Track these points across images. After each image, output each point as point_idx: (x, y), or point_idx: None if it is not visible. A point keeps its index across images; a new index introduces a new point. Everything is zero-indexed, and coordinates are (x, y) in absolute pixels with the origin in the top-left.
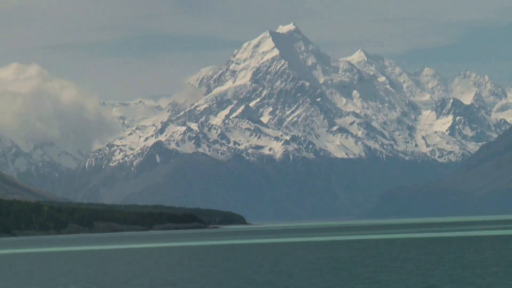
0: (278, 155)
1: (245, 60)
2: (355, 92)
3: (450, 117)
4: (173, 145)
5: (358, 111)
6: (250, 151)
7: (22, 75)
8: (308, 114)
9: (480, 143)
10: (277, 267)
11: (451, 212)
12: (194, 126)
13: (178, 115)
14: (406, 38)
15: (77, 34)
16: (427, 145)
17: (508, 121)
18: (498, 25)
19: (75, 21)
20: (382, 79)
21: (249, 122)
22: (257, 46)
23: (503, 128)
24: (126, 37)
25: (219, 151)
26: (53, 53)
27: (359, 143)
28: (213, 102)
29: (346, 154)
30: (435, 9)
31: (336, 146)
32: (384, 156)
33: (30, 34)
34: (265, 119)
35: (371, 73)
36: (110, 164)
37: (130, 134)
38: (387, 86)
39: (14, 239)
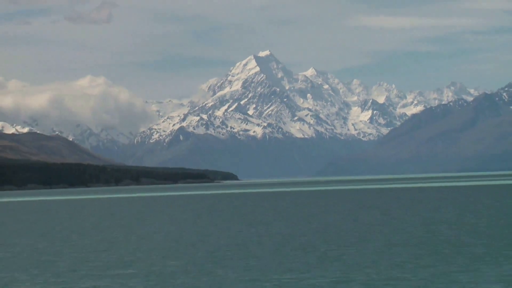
0: (259, 136)
1: (237, 74)
2: (309, 95)
3: (370, 111)
4: (191, 129)
5: (311, 107)
6: (241, 133)
7: (94, 83)
8: (278, 109)
9: (389, 128)
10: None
11: (371, 173)
12: (204, 116)
13: (195, 109)
14: (342, 59)
15: (130, 55)
16: (355, 129)
17: (407, 114)
18: (402, 52)
19: (128, 47)
20: (326, 86)
21: (240, 114)
22: (245, 65)
23: (404, 119)
24: (161, 58)
25: (221, 133)
26: (114, 69)
27: (311, 128)
28: (217, 101)
29: (303, 135)
30: (360, 40)
31: (297, 130)
32: (327, 136)
33: (98, 56)
34: (250, 112)
35: (319, 82)
36: (150, 141)
37: (163, 121)
38: (330, 91)
39: (88, 189)
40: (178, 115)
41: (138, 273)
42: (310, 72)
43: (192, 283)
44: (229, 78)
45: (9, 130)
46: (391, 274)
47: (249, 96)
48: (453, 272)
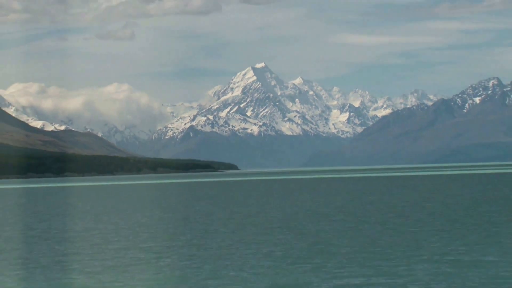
0: (255, 133)
1: (238, 82)
2: (297, 99)
3: (347, 113)
4: (199, 127)
5: (298, 110)
6: (241, 131)
7: (119, 89)
8: (272, 111)
9: (363, 127)
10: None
11: (347, 164)
12: (210, 117)
13: (202, 111)
14: (324, 70)
15: (149, 66)
16: (335, 128)
17: (378, 116)
18: (374, 64)
19: (147, 60)
20: (311, 92)
21: (240, 115)
22: (244, 74)
23: (375, 120)
24: (175, 68)
25: (224, 131)
26: (136, 77)
27: (299, 126)
28: (221, 104)
29: (292, 132)
30: (340, 54)
31: (287, 128)
32: (312, 134)
33: (123, 67)
34: (249, 113)
35: (305, 89)
36: (166, 137)
37: (177, 121)
38: (314, 97)
39: (114, 177)
40: (189, 116)
41: (154, 247)
42: (298, 80)
43: (195, 254)
44: (231, 85)
45: (49, 127)
46: (357, 247)
47: (248, 100)
48: (415, 248)
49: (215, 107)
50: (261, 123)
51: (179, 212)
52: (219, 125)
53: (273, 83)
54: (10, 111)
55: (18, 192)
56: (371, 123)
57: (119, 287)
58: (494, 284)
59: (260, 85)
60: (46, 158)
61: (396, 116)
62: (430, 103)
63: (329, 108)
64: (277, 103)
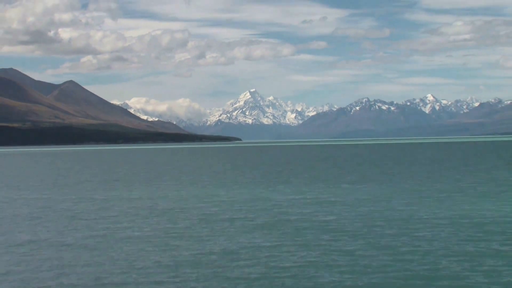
0: (250, 123)
1: (242, 97)
2: (270, 107)
3: (295, 114)
4: (223, 120)
5: (271, 112)
6: (243, 122)
7: (184, 101)
8: (258, 112)
9: (302, 121)
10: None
11: (295, 139)
12: (228, 115)
13: (224, 112)
14: (284, 92)
15: (199, 90)
16: (289, 121)
17: (309, 115)
18: (308, 90)
19: (199, 87)
20: (277, 103)
21: (243, 114)
22: (245, 94)
23: (308, 117)
24: (211, 92)
25: (235, 122)
26: (192, 95)
27: (271, 120)
28: (233, 109)
29: (268, 123)
30: (292, 85)
31: (265, 121)
32: (277, 124)
33: (186, 90)
34: (247, 113)
35: (275, 102)
36: (207, 124)
37: (212, 117)
38: (278, 105)
39: (181, 143)
40: (218, 114)
41: (179, 209)
42: (271, 98)
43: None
44: (238, 99)
45: (150, 119)
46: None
47: (246, 107)
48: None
49: (231, 110)
50: (253, 118)
51: (203, 166)
52: (233, 119)
53: (259, 98)
54: (131, 111)
55: (147, 150)
56: (306, 119)
57: None
58: None
59: (252, 99)
60: (149, 134)
61: (318, 116)
62: (334, 109)
63: (286, 111)
64: (261, 109)
